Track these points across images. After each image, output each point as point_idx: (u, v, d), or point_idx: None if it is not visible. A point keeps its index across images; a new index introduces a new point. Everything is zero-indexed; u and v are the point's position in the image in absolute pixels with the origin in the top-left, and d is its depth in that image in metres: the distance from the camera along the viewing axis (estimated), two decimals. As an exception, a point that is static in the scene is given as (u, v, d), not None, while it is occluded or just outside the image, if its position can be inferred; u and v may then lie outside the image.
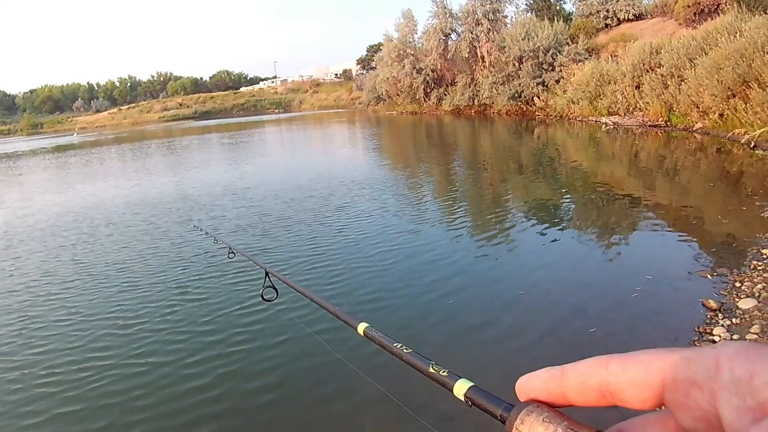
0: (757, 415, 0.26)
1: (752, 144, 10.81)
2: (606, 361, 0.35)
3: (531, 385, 0.39)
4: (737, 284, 4.52)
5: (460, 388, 0.56)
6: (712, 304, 4.15)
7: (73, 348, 4.49)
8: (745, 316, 3.94)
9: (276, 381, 3.75)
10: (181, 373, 3.92)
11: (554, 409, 0.39)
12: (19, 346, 4.60)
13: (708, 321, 3.96)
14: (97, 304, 5.47)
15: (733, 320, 3.90)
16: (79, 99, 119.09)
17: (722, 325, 3.84)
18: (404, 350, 0.75)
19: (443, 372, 0.62)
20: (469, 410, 0.54)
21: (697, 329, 3.85)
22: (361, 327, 0.98)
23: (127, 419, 3.40)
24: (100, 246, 7.82)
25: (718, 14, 19.22)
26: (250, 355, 4.14)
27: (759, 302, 4.11)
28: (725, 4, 19.75)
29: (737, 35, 13.64)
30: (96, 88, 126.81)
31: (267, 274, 1.89)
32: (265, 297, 1.87)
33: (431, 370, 0.65)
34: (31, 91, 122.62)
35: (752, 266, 4.85)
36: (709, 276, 4.75)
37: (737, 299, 4.24)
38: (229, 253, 2.92)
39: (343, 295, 5.21)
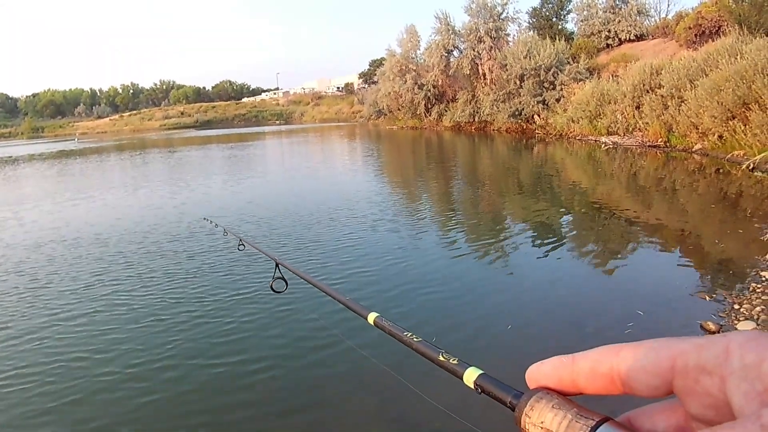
0: (766, 399, 0.26)
1: (751, 166, 10.86)
2: (617, 348, 0.35)
3: (541, 372, 0.40)
4: (736, 306, 4.50)
5: (470, 375, 0.56)
6: (711, 326, 4.13)
7: (89, 336, 4.55)
8: (744, 336, 3.93)
9: (285, 369, 3.85)
10: (188, 363, 3.99)
11: (564, 396, 0.39)
12: (32, 335, 4.58)
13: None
14: (105, 296, 5.57)
15: (732, 341, 3.88)
16: (81, 104, 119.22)
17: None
18: (414, 339, 0.75)
19: (453, 360, 0.62)
20: (479, 398, 0.54)
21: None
22: (372, 317, 0.98)
23: (135, 407, 3.45)
24: (110, 241, 7.94)
25: (719, 36, 19.43)
26: (259, 344, 4.26)
27: (758, 324, 4.10)
28: (726, 26, 19.95)
29: (738, 57, 13.77)
30: (98, 93, 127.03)
31: (277, 264, 1.88)
32: (275, 288, 1.86)
33: (441, 358, 0.64)
34: (34, 95, 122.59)
35: (751, 288, 4.84)
36: (707, 298, 4.74)
37: (736, 321, 4.22)
38: (239, 245, 2.91)
39: (352, 289, 5.38)
